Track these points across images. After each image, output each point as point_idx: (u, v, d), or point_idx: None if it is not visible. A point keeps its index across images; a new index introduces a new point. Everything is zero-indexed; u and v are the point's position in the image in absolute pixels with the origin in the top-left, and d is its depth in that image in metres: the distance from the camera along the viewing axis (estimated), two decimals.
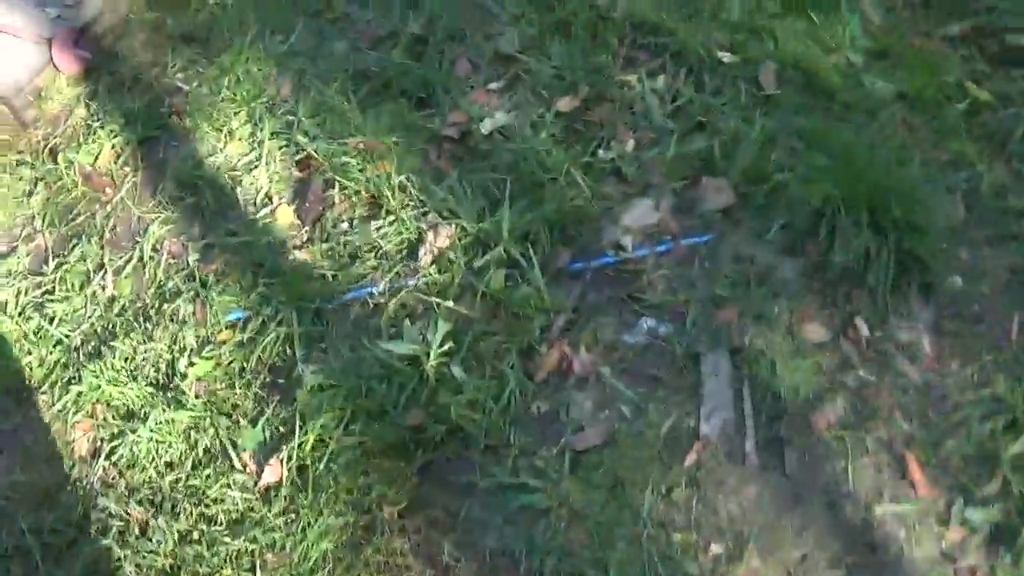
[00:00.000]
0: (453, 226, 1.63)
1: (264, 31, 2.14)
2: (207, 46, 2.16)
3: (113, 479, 1.56)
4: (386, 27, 1.97)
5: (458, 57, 1.86)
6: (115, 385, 1.65)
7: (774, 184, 1.47)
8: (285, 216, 1.91)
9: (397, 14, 2.02)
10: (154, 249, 1.89)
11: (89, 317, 1.80)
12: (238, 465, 1.50)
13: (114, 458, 1.57)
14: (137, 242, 1.95)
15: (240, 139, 2.03)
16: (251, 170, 1.98)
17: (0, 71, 2.14)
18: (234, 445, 1.51)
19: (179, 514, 1.46)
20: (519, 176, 1.62)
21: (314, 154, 1.87)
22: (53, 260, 1.97)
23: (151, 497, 1.51)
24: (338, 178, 1.77)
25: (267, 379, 1.57)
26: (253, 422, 1.52)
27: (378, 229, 1.69)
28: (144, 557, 1.40)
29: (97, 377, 1.68)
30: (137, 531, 1.47)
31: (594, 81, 1.71)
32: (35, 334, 1.79)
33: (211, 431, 1.53)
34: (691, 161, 1.55)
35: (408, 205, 1.69)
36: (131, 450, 1.55)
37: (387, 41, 1.95)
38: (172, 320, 1.73)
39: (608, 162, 1.61)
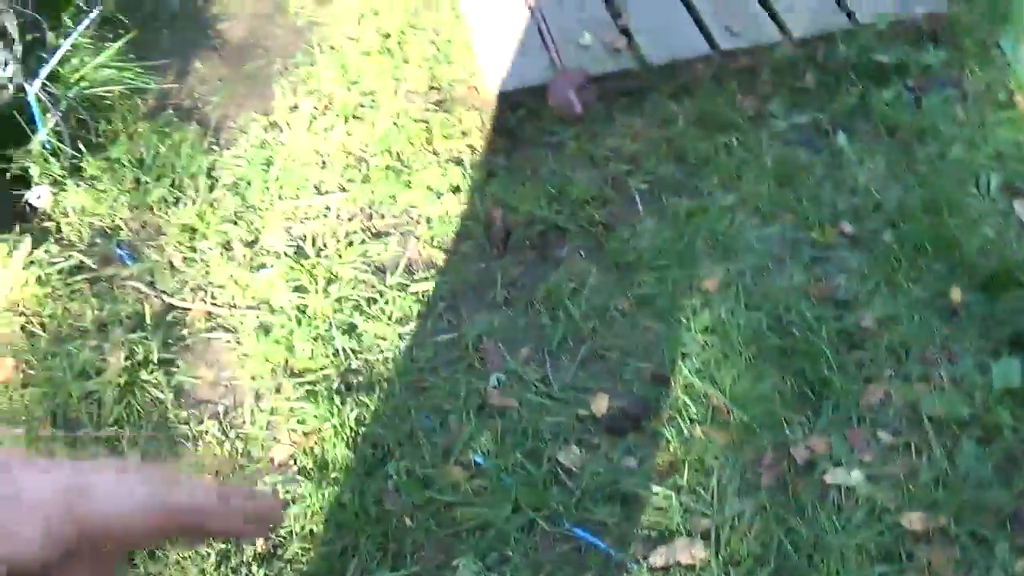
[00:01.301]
0: (706, 551, 3.33)
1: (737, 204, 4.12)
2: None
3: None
4: (857, 288, 3.80)
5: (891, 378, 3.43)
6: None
7: None
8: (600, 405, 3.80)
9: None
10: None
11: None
12: None
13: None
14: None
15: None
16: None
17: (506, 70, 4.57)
18: None
19: None
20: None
21: (671, 378, 3.76)
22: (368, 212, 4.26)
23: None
24: (680, 414, 3.45)
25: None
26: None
27: (655, 493, 3.48)
28: None
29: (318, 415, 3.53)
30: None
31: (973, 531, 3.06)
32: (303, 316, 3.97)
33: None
34: None
35: (696, 491, 3.29)
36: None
37: (856, 301, 3.73)
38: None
39: None
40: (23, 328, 3.92)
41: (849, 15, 4.62)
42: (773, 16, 4.57)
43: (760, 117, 4.39)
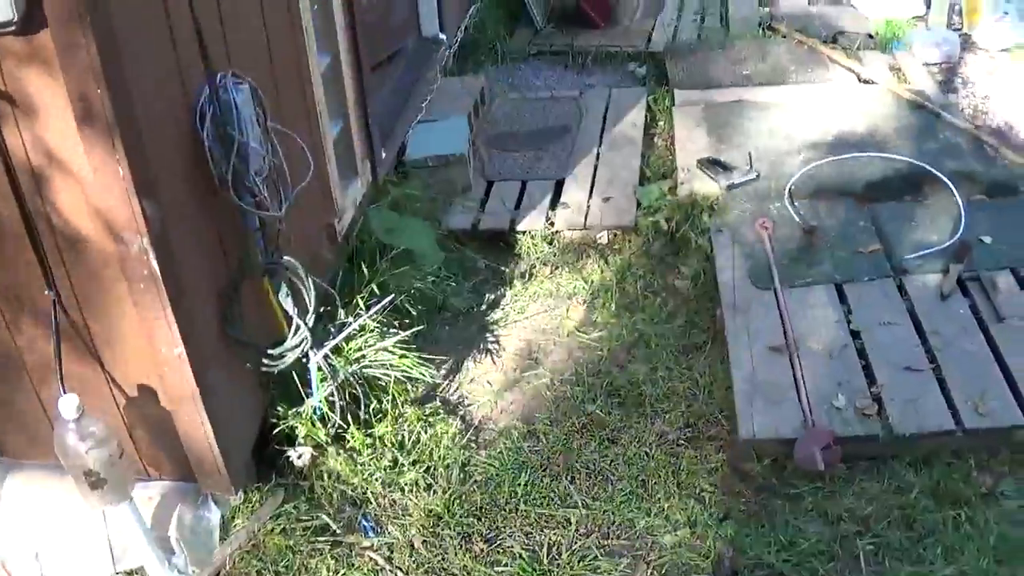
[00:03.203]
0: None
1: None
2: None
3: None
4: None
5: None
6: None
7: None
8: None
9: None
10: None
11: None
12: None
13: None
14: None
15: None
16: None
17: None
18: None
19: None
20: None
21: None
22: None
23: None
24: None
25: None
26: None
27: None
28: None
29: None
30: None
31: None
32: None
33: None
34: None
35: None
36: None
37: None
38: None
39: None
40: (259, 573, 4.30)
41: None
42: (1020, 401, 4.79)
43: (992, 495, 4.54)
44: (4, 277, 3.87)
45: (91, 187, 3.52)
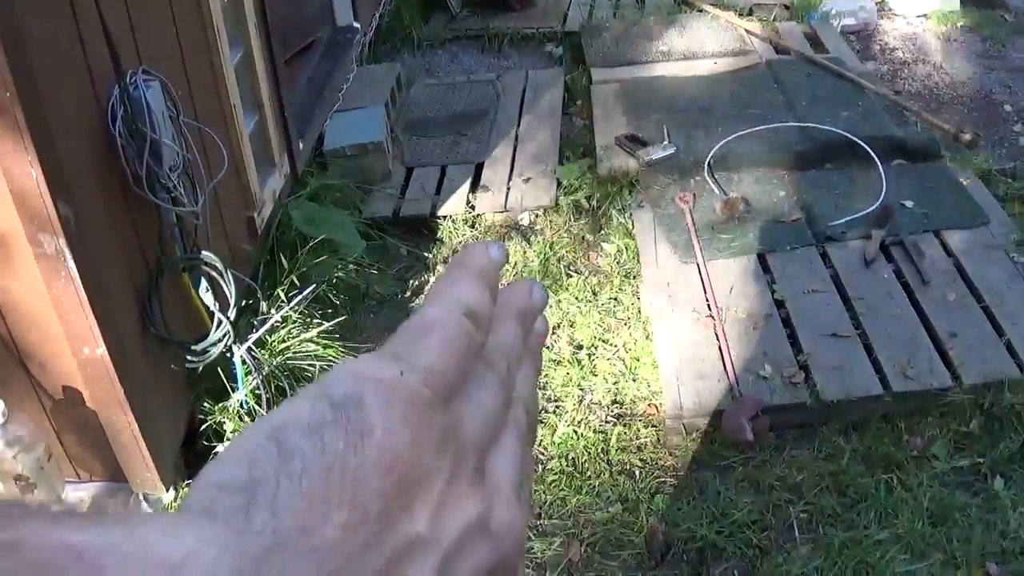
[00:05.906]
0: None
1: None
2: None
3: None
4: None
5: None
6: None
7: None
8: None
9: None
10: None
11: None
12: None
13: None
14: None
15: None
16: None
17: None
18: None
19: None
20: None
21: None
22: None
23: None
24: None
25: None
26: None
27: None
28: None
29: None
30: None
31: None
32: None
33: None
34: None
35: None
36: None
37: None
38: None
39: None
40: None
41: (1021, 367, 4.96)
42: (947, 363, 4.95)
43: (923, 458, 4.68)
44: None
45: (4, 190, 3.55)
